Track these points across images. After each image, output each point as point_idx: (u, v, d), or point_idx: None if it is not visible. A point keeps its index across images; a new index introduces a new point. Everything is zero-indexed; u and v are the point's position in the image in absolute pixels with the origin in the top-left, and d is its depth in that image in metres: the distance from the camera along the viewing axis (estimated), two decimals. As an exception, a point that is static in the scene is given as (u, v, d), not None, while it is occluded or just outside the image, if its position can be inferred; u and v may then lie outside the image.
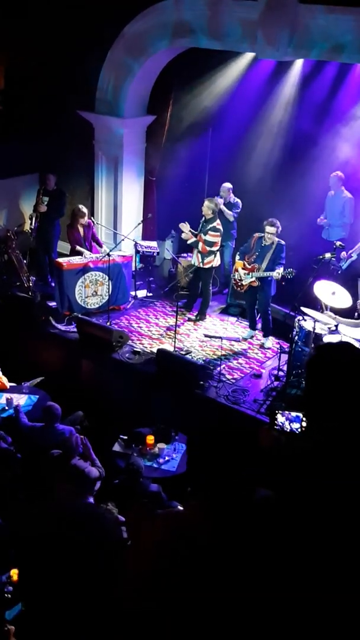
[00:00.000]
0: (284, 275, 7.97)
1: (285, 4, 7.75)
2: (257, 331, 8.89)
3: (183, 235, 9.05)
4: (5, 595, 4.70)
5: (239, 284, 8.47)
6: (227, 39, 8.54)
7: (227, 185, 9.68)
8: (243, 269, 8.34)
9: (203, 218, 8.91)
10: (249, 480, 2.17)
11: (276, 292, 8.67)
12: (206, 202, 8.87)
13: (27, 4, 9.84)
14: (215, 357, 8.24)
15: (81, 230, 9.47)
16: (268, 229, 8.07)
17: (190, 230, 8.96)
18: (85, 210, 9.45)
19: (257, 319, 8.90)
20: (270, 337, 8.63)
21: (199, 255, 8.92)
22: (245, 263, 8.32)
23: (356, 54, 7.71)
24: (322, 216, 9.31)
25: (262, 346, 8.62)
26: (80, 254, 9.37)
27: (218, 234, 8.84)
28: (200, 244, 8.84)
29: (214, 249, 8.89)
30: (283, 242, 8.17)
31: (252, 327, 8.91)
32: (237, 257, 8.48)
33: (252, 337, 8.85)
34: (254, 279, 8.26)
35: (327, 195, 9.29)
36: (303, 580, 1.88)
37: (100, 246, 9.63)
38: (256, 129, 9.85)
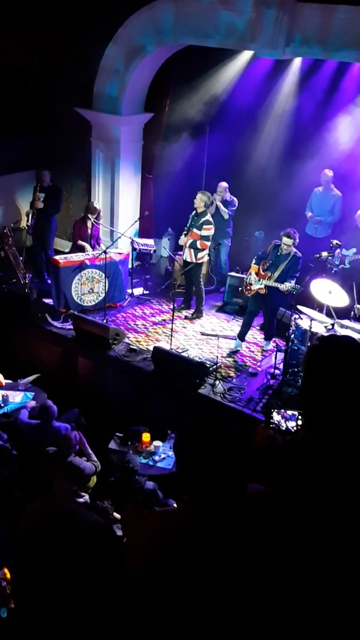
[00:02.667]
0: (290, 291, 7.71)
1: (283, 2, 7.74)
2: (244, 343, 8.56)
3: (180, 241, 9.11)
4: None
5: (248, 287, 8.26)
6: (224, 37, 8.53)
7: (224, 184, 9.70)
8: (257, 273, 8.12)
9: (194, 212, 8.92)
10: (241, 478, 2.17)
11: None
12: (199, 195, 8.86)
13: (26, 2, 9.80)
14: (212, 355, 8.23)
15: (89, 226, 9.53)
16: (285, 240, 7.79)
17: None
18: (98, 207, 9.59)
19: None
20: (272, 340, 8.54)
21: (193, 251, 8.92)
22: (260, 268, 8.08)
23: (354, 53, 7.71)
24: (309, 211, 9.33)
25: (262, 349, 8.59)
26: (82, 248, 9.40)
27: (212, 226, 8.90)
28: (199, 242, 8.84)
29: (210, 241, 8.96)
30: (299, 255, 7.86)
31: (242, 337, 8.50)
32: (253, 261, 8.30)
33: (238, 349, 8.45)
34: (262, 286, 8.01)
35: (313, 192, 9.31)
36: (296, 577, 1.88)
37: (99, 245, 9.71)
38: (254, 127, 9.86)
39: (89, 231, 9.60)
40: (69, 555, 2.18)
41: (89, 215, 9.53)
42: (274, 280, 7.91)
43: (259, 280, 8.06)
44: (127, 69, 9.60)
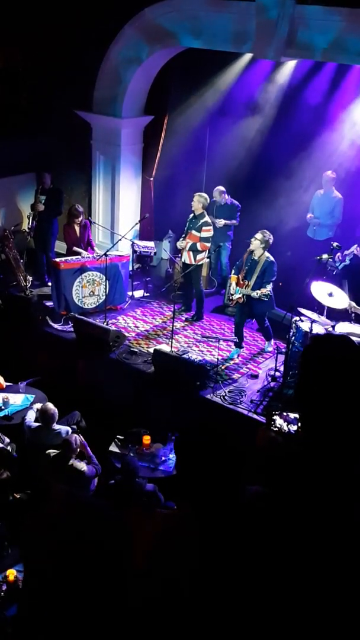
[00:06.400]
0: (261, 297, 7.72)
1: (284, 5, 7.74)
2: (242, 349, 8.52)
3: (178, 244, 9.13)
4: (1, 594, 4.71)
5: (231, 297, 8.26)
6: (224, 40, 8.54)
7: (220, 188, 9.68)
8: (237, 283, 8.11)
9: (192, 214, 8.92)
10: (242, 481, 2.17)
11: (273, 295, 8.55)
12: (196, 197, 8.85)
13: (25, 2, 9.81)
14: (212, 357, 8.23)
15: (77, 230, 9.55)
16: (253, 243, 7.88)
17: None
18: (80, 209, 9.56)
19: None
20: (272, 341, 8.52)
21: (192, 253, 8.92)
22: (240, 277, 8.08)
23: (354, 55, 7.71)
24: (311, 214, 9.30)
25: (263, 351, 8.59)
26: (77, 253, 9.40)
27: (211, 227, 8.92)
28: (199, 244, 8.84)
29: (210, 242, 8.97)
30: (272, 259, 7.85)
31: (239, 344, 8.45)
32: (233, 271, 8.28)
33: (237, 355, 8.40)
34: (240, 295, 8.00)
35: (315, 194, 9.29)
36: (295, 578, 1.88)
37: (92, 249, 9.70)
38: (254, 129, 9.85)
39: (78, 235, 9.60)
40: (84, 545, 2.19)
41: (75, 220, 9.53)
42: (250, 288, 7.92)
43: (237, 289, 8.06)
44: (121, 82, 9.60)
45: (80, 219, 9.56)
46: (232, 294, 8.16)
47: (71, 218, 9.56)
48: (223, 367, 8.08)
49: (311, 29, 7.77)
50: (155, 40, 9.15)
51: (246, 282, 7.98)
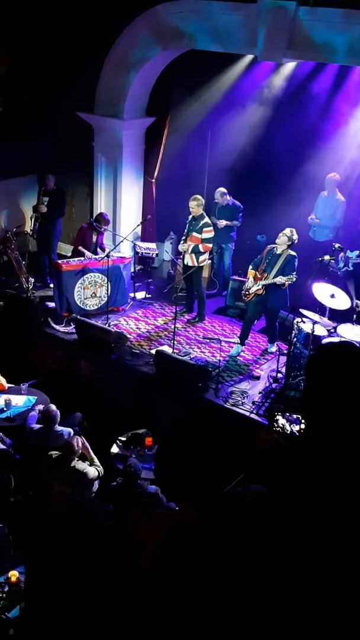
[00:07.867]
0: (286, 282, 7.79)
1: (285, 6, 7.74)
2: (244, 347, 8.55)
3: (180, 247, 9.13)
4: (2, 595, 4.71)
5: (246, 292, 8.30)
6: (226, 41, 8.55)
7: (221, 189, 9.69)
8: (254, 278, 8.16)
9: (191, 217, 8.92)
10: (246, 481, 2.16)
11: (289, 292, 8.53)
12: (192, 202, 8.82)
13: (26, 4, 9.83)
14: (214, 358, 8.23)
15: (95, 235, 9.51)
16: (280, 238, 7.98)
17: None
18: (109, 218, 9.57)
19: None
20: (275, 343, 8.54)
21: (194, 255, 8.92)
22: (258, 272, 8.15)
23: (355, 57, 7.72)
24: (313, 215, 9.30)
25: (266, 351, 8.59)
26: (82, 254, 9.38)
27: (212, 228, 8.92)
28: (201, 245, 8.84)
29: (212, 243, 8.98)
30: (294, 254, 7.93)
31: (242, 342, 8.51)
32: (250, 267, 8.32)
33: (239, 353, 8.46)
34: (260, 286, 8.05)
35: (319, 196, 9.29)
36: (300, 581, 1.88)
37: (103, 252, 9.70)
38: (257, 129, 9.86)
39: (94, 240, 9.57)
40: (85, 547, 2.19)
41: (102, 227, 9.47)
42: (270, 279, 7.96)
43: (257, 282, 8.09)
44: (123, 84, 9.60)
45: (106, 227, 9.51)
46: (249, 288, 8.18)
47: (98, 224, 9.43)
48: (235, 364, 8.18)
49: (313, 30, 7.76)
50: (166, 40, 9.12)
51: (265, 275, 8.02)
